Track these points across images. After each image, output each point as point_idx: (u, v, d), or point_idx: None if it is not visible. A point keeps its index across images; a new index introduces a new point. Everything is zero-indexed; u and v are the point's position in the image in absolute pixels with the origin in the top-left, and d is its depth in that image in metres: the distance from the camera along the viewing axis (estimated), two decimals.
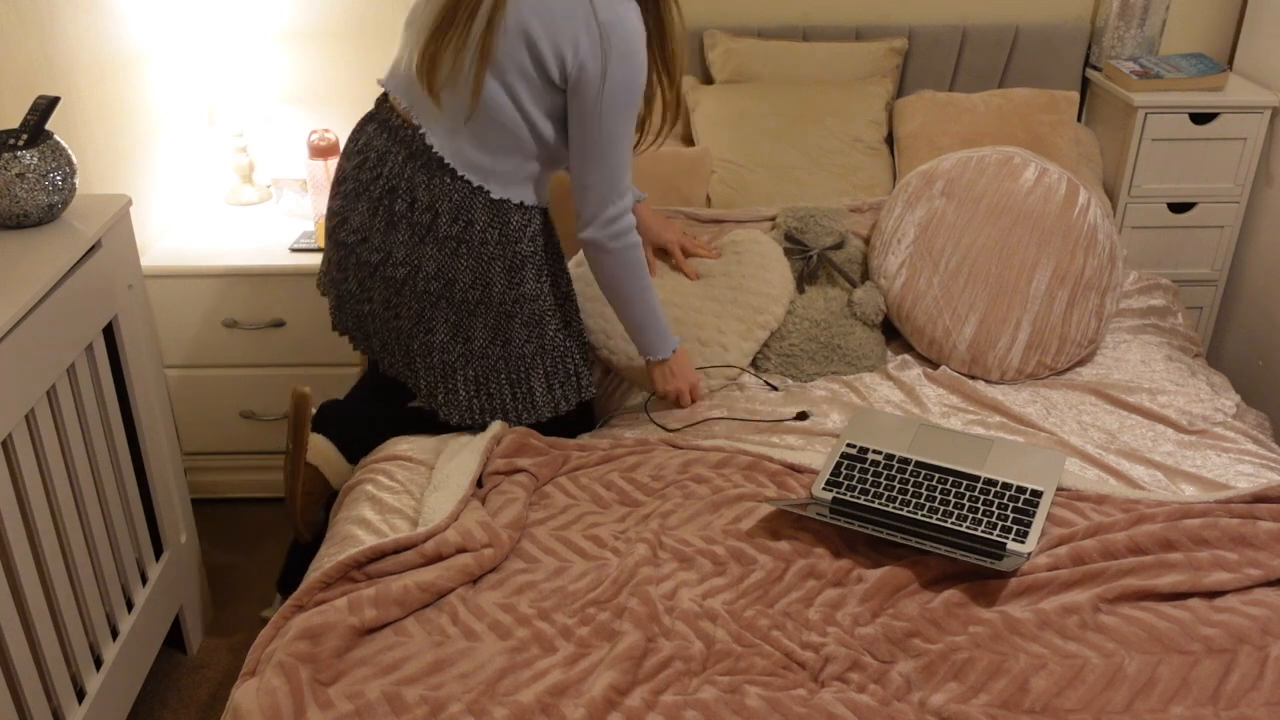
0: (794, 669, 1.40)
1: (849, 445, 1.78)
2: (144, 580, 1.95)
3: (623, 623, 1.44)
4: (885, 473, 1.71)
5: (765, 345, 2.15)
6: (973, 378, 2.12)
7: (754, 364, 2.17)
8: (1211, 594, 1.50)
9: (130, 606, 1.89)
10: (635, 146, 1.79)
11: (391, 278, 1.80)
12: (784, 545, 1.60)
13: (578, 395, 1.93)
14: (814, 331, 2.13)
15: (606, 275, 1.83)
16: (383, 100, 1.83)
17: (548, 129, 1.74)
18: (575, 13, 1.64)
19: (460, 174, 1.75)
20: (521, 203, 1.79)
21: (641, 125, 1.80)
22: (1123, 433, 1.93)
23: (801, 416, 1.94)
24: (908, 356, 2.19)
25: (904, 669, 1.39)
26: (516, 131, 1.72)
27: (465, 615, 1.47)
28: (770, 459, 1.80)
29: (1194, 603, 1.49)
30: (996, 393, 2.06)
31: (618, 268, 1.81)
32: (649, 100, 1.78)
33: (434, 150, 1.75)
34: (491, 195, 1.76)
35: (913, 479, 1.70)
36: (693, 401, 2.00)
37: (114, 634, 1.83)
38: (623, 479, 1.76)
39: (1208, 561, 1.53)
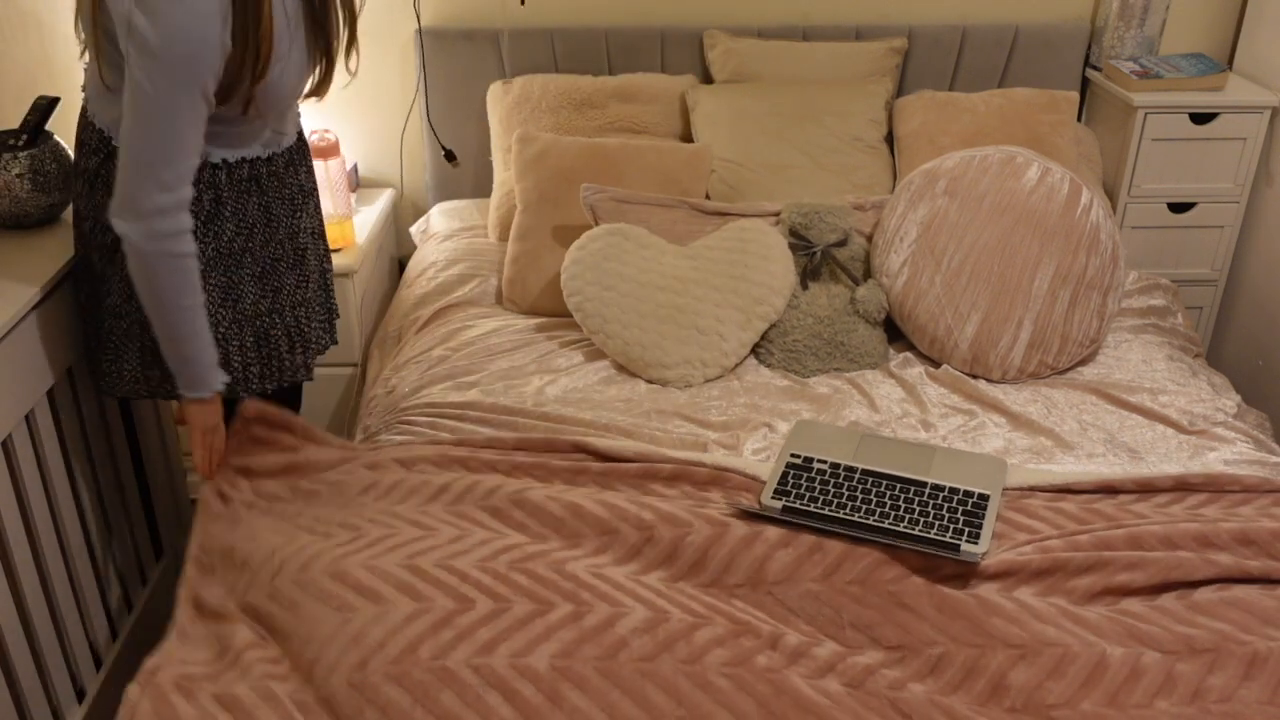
0: (753, 634, 1.37)
1: (793, 455, 1.77)
2: (144, 581, 1.95)
3: (548, 591, 1.38)
4: (833, 481, 1.71)
5: (768, 340, 2.15)
6: (974, 377, 2.12)
7: (756, 357, 2.17)
8: (1185, 595, 1.50)
9: (130, 608, 1.89)
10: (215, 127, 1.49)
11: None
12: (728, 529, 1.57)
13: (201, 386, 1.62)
14: (817, 328, 2.14)
15: (139, 280, 1.49)
16: None
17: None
18: None
19: (83, 89, 1.57)
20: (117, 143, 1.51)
21: (227, 95, 1.46)
22: (1123, 432, 1.93)
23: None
24: (909, 355, 2.19)
25: (874, 656, 1.38)
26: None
27: (370, 579, 1.41)
28: (700, 464, 1.74)
29: (1172, 604, 1.49)
30: (998, 392, 2.06)
31: (152, 275, 1.48)
32: (231, 68, 1.44)
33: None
34: (93, 121, 1.55)
35: (860, 486, 1.70)
36: (214, 458, 1.68)
37: (114, 635, 1.83)
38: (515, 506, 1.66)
39: (1173, 564, 1.53)
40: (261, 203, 1.63)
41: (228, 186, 1.58)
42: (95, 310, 1.64)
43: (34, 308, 1.55)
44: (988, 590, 1.48)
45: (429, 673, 1.27)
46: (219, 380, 1.61)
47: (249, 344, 1.68)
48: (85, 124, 1.57)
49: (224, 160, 1.56)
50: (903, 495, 1.68)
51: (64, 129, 2.05)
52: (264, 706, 1.27)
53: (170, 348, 1.55)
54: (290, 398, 1.84)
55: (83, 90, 1.59)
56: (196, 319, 1.53)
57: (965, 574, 1.51)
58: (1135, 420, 1.96)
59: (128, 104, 1.39)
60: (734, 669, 1.31)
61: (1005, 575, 1.52)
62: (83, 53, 1.53)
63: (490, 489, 1.62)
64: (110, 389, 1.66)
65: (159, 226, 1.44)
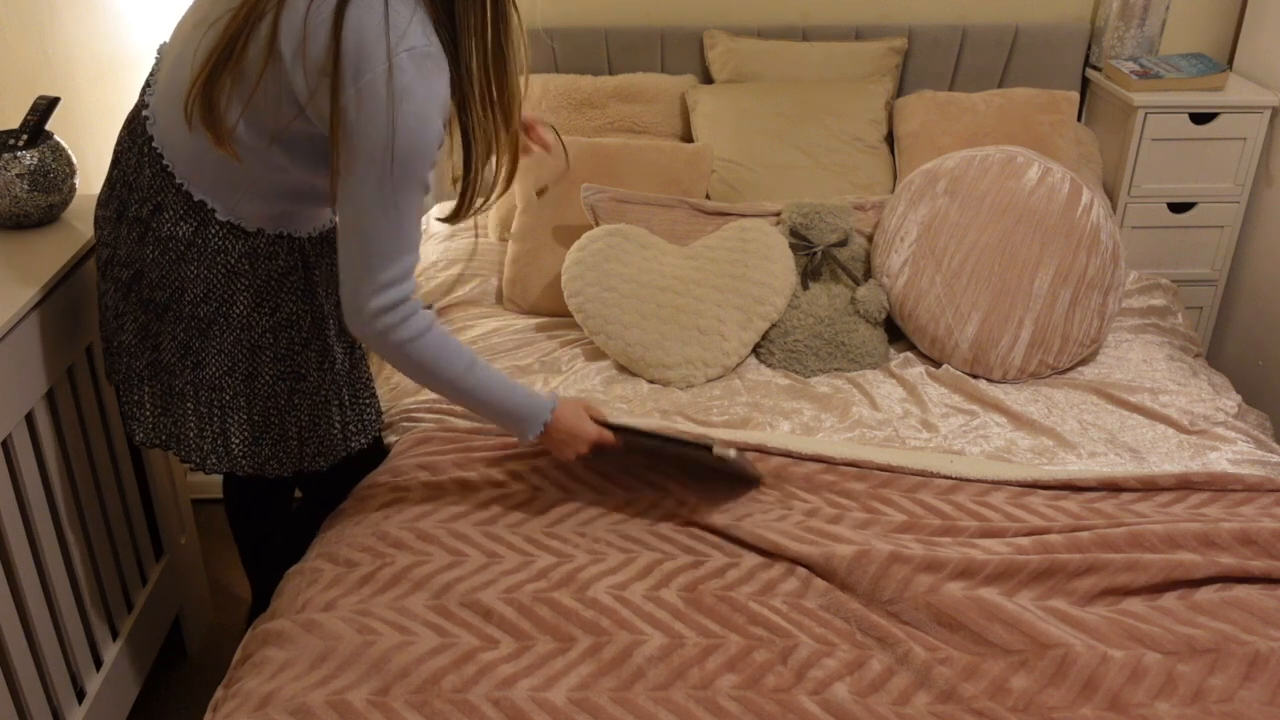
0: (766, 644, 1.39)
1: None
2: (144, 581, 1.95)
3: (570, 625, 1.42)
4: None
5: (769, 340, 2.15)
6: (975, 376, 2.12)
7: (757, 357, 2.17)
8: (1186, 595, 1.50)
9: (130, 607, 1.89)
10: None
11: (98, 258, 1.56)
12: (735, 546, 1.59)
13: (298, 462, 1.64)
14: (818, 328, 2.14)
15: (404, 371, 1.50)
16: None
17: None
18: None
19: (155, 146, 1.45)
20: (224, 218, 1.48)
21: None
22: (1124, 432, 1.93)
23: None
24: (910, 354, 2.19)
25: (881, 663, 1.39)
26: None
27: (397, 618, 1.44)
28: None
29: (1173, 604, 1.48)
30: (998, 392, 2.06)
31: (410, 364, 1.47)
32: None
33: (144, 114, 1.47)
34: (183, 188, 1.46)
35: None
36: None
37: (114, 634, 1.83)
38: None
39: (1175, 564, 1.53)
40: (331, 262, 1.61)
41: (313, 254, 1.58)
42: (155, 377, 1.57)
43: (34, 308, 1.55)
44: (989, 593, 1.48)
45: (449, 703, 1.30)
46: (545, 408, 1.58)
47: (346, 401, 1.67)
48: (159, 179, 1.47)
49: (309, 234, 1.57)
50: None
51: (64, 129, 2.05)
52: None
53: (485, 411, 1.55)
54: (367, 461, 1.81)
55: (150, 135, 1.46)
56: (482, 376, 1.51)
57: (966, 573, 1.51)
58: (1136, 420, 1.96)
59: (350, 202, 1.35)
60: (743, 691, 1.33)
61: (1006, 576, 1.51)
62: (189, 111, 1.39)
63: (519, 518, 1.65)
64: (162, 444, 1.61)
65: (385, 323, 1.41)
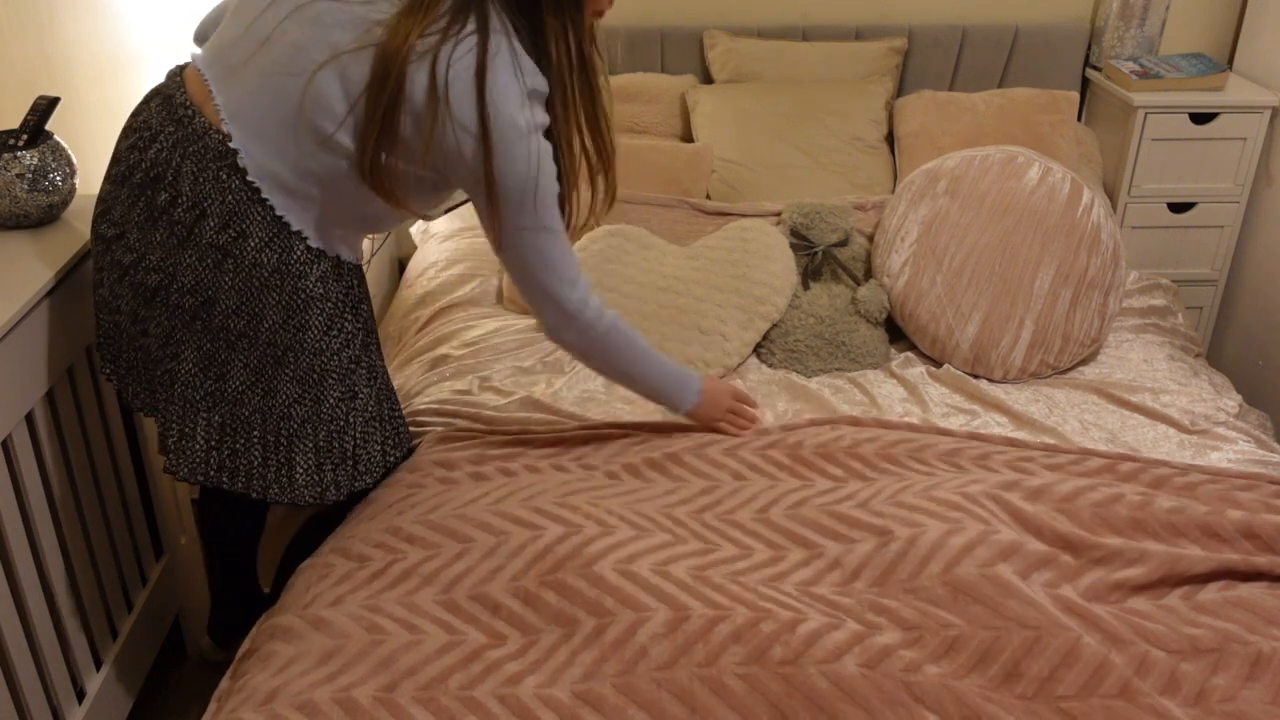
0: (773, 616, 1.38)
1: None
2: (144, 581, 1.95)
3: (574, 608, 1.41)
4: None
5: (770, 340, 2.15)
6: (975, 376, 2.12)
7: (758, 357, 2.17)
8: (1190, 595, 1.50)
9: (130, 607, 1.89)
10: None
11: (142, 284, 1.49)
12: (748, 539, 1.59)
13: (350, 484, 1.65)
14: (819, 328, 2.14)
15: (598, 364, 1.67)
16: (175, 73, 1.53)
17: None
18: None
19: (250, 178, 1.44)
20: (309, 243, 1.49)
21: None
22: (1125, 432, 1.93)
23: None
24: (911, 354, 2.19)
25: (891, 638, 1.38)
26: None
27: (406, 615, 1.44)
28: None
29: (1177, 603, 1.48)
30: (999, 392, 2.06)
31: (609, 350, 1.63)
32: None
33: (226, 142, 1.44)
34: (275, 211, 1.45)
35: None
36: (749, 418, 1.82)
37: (114, 634, 1.83)
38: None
39: (1178, 557, 1.52)
40: (365, 286, 1.66)
41: (361, 277, 1.62)
42: (216, 406, 1.56)
43: (34, 308, 1.55)
44: (1004, 570, 1.47)
45: (456, 700, 1.30)
46: (694, 379, 1.75)
47: (386, 416, 1.68)
48: (243, 205, 1.45)
49: (353, 260, 1.59)
50: None
51: (64, 129, 2.05)
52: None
53: (651, 393, 1.73)
54: None
55: (244, 169, 1.44)
56: (651, 355, 1.69)
57: (980, 552, 1.50)
58: (1137, 420, 1.96)
59: (516, 244, 1.51)
60: (748, 668, 1.32)
61: (1018, 558, 1.50)
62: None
63: (530, 493, 1.64)
64: (215, 481, 1.58)
65: (590, 315, 1.57)
